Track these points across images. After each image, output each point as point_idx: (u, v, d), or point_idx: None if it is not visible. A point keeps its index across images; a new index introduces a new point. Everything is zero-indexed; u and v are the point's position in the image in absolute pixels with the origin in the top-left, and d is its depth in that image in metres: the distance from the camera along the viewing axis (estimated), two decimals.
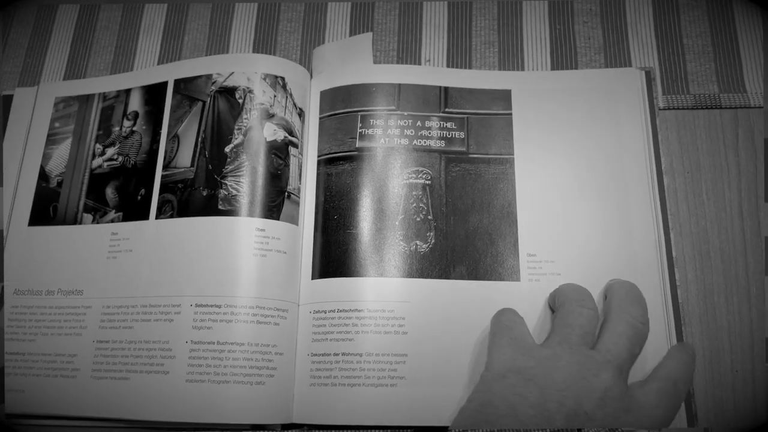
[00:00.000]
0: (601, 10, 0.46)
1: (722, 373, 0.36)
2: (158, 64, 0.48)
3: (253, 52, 0.48)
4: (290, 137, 0.42)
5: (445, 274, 0.39)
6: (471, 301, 0.38)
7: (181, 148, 0.42)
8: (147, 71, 0.46)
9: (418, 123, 0.42)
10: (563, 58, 0.45)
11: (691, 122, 0.42)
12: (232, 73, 0.43)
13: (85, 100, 0.46)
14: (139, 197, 0.42)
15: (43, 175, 0.45)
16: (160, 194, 0.42)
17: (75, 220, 0.43)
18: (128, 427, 0.38)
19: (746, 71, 0.43)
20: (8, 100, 0.47)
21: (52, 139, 0.46)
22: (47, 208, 0.44)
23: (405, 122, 0.42)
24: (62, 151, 0.45)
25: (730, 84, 0.43)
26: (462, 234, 0.40)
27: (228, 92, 0.42)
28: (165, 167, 0.42)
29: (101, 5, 0.51)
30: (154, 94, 0.45)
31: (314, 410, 0.36)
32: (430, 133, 0.42)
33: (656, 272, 0.38)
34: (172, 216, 0.40)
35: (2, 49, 0.50)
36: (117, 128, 0.45)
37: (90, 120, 0.46)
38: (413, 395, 0.36)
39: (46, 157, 0.45)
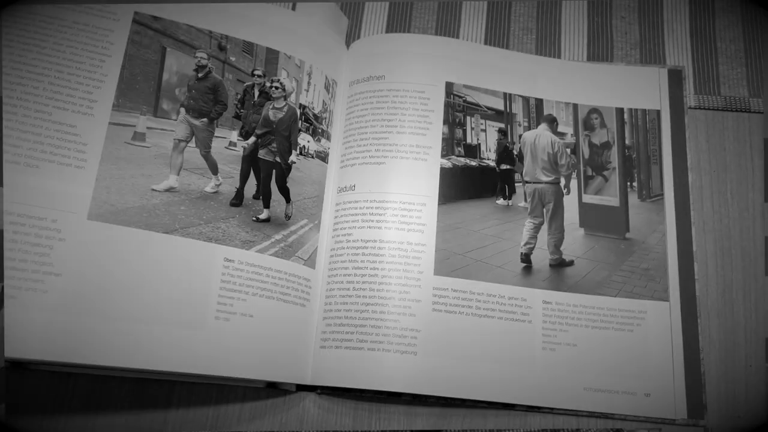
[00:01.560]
0: (639, 6, 0.47)
1: (736, 368, 0.37)
2: None
3: None
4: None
5: None
6: None
7: None
8: None
9: None
10: (599, 50, 0.45)
11: (720, 123, 0.43)
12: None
13: None
14: None
15: None
16: None
17: None
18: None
19: None
20: None
21: None
22: None
23: None
24: None
25: (760, 89, 0.44)
26: None
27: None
28: None
29: None
30: None
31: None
32: None
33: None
34: None
35: None
36: None
37: None
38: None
39: None
